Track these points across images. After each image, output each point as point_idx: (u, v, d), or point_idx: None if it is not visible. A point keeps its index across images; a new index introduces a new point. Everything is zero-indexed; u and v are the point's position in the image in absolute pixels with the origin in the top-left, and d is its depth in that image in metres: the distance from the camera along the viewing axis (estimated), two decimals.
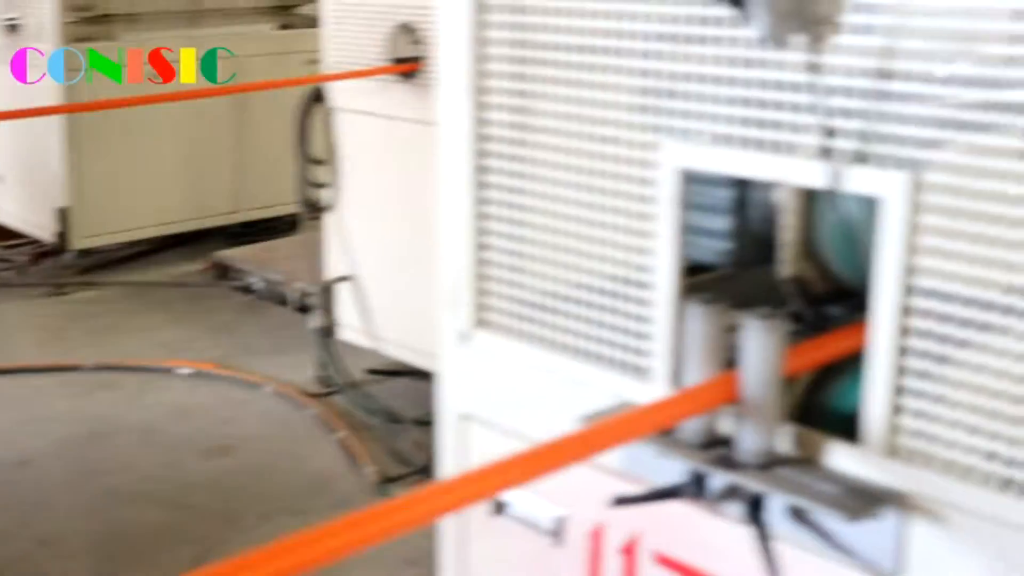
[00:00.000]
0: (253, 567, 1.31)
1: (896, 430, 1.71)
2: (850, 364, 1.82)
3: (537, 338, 2.19)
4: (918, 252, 1.65)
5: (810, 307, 2.01)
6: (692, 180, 1.94)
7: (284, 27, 7.59)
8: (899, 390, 1.70)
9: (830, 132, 1.71)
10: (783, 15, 1.67)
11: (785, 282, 1.99)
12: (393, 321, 4.94)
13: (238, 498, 4.47)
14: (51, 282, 6.94)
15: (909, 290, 1.67)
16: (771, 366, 1.76)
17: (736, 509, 1.83)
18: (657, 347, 1.97)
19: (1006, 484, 1.62)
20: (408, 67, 4.60)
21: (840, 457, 1.78)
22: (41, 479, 4.59)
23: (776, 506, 1.79)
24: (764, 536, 1.79)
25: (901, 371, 1.69)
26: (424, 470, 4.38)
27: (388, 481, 4.46)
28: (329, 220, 5.17)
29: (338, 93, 5.02)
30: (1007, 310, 1.58)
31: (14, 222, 7.27)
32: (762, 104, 1.79)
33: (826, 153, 1.71)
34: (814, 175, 1.73)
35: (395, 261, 4.87)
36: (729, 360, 1.82)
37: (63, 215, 6.80)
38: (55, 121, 6.62)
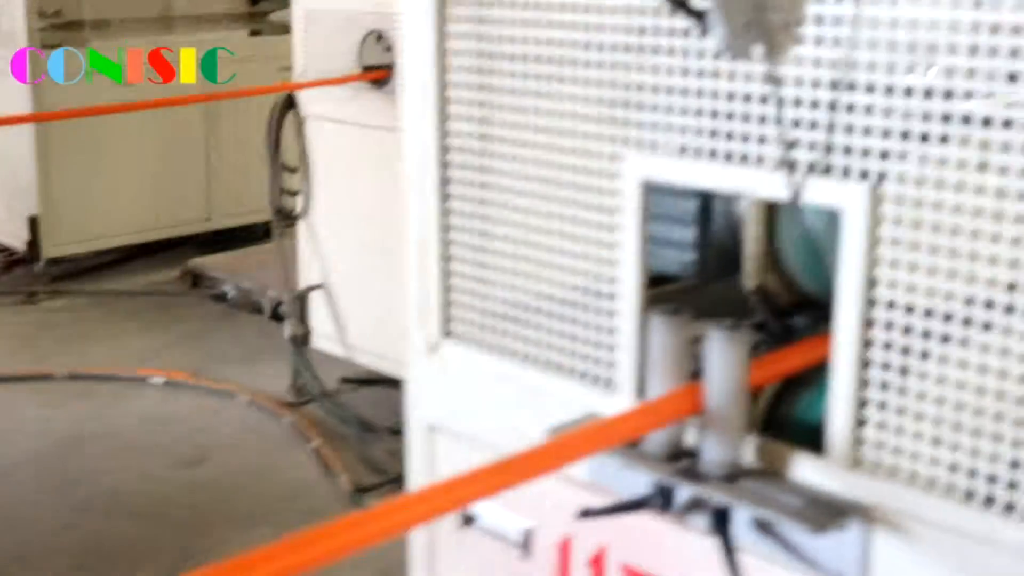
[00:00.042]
0: None
1: (859, 442, 1.71)
2: (816, 375, 1.82)
3: (504, 349, 2.18)
4: (879, 264, 1.65)
5: (775, 318, 2.01)
6: (656, 191, 1.94)
7: (255, 34, 7.57)
8: (862, 402, 1.70)
9: (790, 144, 1.71)
10: (741, 26, 1.67)
11: (750, 293, 1.99)
12: (366, 329, 4.93)
13: (212, 508, 4.45)
14: (22, 291, 6.90)
15: (870, 302, 1.67)
16: (735, 378, 1.75)
17: (702, 521, 1.82)
18: (622, 358, 1.97)
19: (968, 496, 1.62)
20: (379, 74, 4.60)
21: (805, 469, 1.77)
22: (14, 490, 4.56)
23: (742, 518, 1.79)
24: (730, 548, 1.79)
25: (863, 383, 1.69)
26: (398, 479, 4.36)
27: (362, 491, 4.44)
28: (302, 228, 5.16)
29: (310, 100, 5.00)
30: (967, 322, 1.59)
31: None
32: (724, 115, 1.79)
33: (787, 165, 1.71)
34: (776, 187, 1.73)
35: (368, 269, 4.85)
36: (695, 371, 1.81)
37: (34, 223, 6.77)
38: (25, 128, 6.58)
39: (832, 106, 1.67)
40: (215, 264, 6.94)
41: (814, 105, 1.69)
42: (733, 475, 1.77)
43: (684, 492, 1.83)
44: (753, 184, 1.79)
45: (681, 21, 1.79)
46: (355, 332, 4.98)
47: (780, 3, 1.68)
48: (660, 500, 1.86)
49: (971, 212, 1.57)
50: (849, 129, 1.66)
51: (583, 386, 2.04)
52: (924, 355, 1.64)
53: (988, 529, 1.60)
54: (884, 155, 1.64)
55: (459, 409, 2.31)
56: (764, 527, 1.78)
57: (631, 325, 1.94)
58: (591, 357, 2.03)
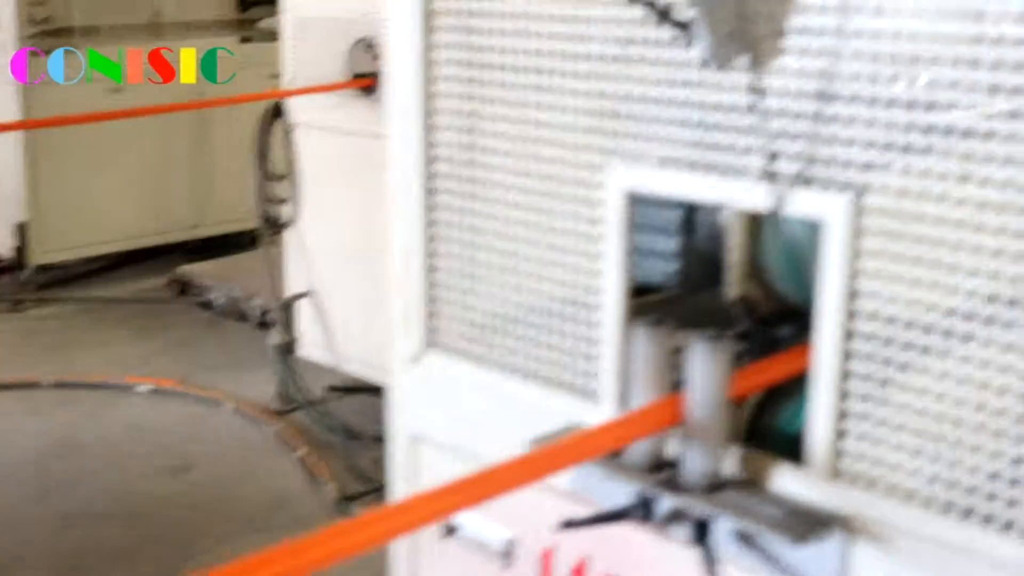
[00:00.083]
0: None
1: (840, 453, 1.71)
2: (799, 385, 1.82)
3: (487, 359, 2.18)
4: (860, 275, 1.66)
5: (758, 328, 2.01)
6: (640, 201, 1.94)
7: (245, 40, 7.56)
8: (842, 413, 1.70)
9: (773, 155, 1.71)
10: (725, 36, 1.67)
11: (732, 303, 1.99)
12: (353, 337, 4.92)
13: (198, 516, 4.43)
14: (9, 298, 6.87)
15: (851, 314, 1.67)
16: (717, 389, 1.75)
17: (683, 532, 1.82)
18: (605, 369, 1.96)
19: (948, 507, 1.62)
20: (367, 82, 4.59)
21: (785, 480, 1.77)
22: None
23: (723, 529, 1.79)
24: (711, 559, 1.79)
25: (844, 394, 1.69)
26: (383, 488, 4.35)
27: (348, 499, 4.43)
28: (289, 236, 5.15)
29: (298, 108, 4.99)
30: (947, 333, 1.59)
31: None
32: (707, 126, 1.80)
33: (769, 176, 1.71)
34: (758, 198, 1.73)
35: (355, 277, 4.84)
36: (677, 382, 1.81)
37: (21, 230, 6.74)
38: (13, 134, 6.56)
39: (815, 117, 1.67)
40: (202, 272, 6.92)
41: (797, 116, 1.69)
42: (714, 486, 1.77)
43: (665, 503, 1.83)
44: (736, 195, 1.79)
45: (666, 32, 1.79)
46: (342, 340, 4.97)
47: (764, 14, 1.69)
48: (642, 511, 1.86)
49: (953, 224, 1.57)
50: (832, 140, 1.67)
51: (566, 396, 2.04)
52: (904, 367, 1.64)
53: (967, 540, 1.60)
54: (866, 166, 1.64)
55: (442, 419, 2.31)
56: (745, 538, 1.78)
57: (614, 336, 1.94)
58: (574, 368, 2.03)
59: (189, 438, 5.08)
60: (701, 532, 1.79)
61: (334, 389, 5.27)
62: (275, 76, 5.35)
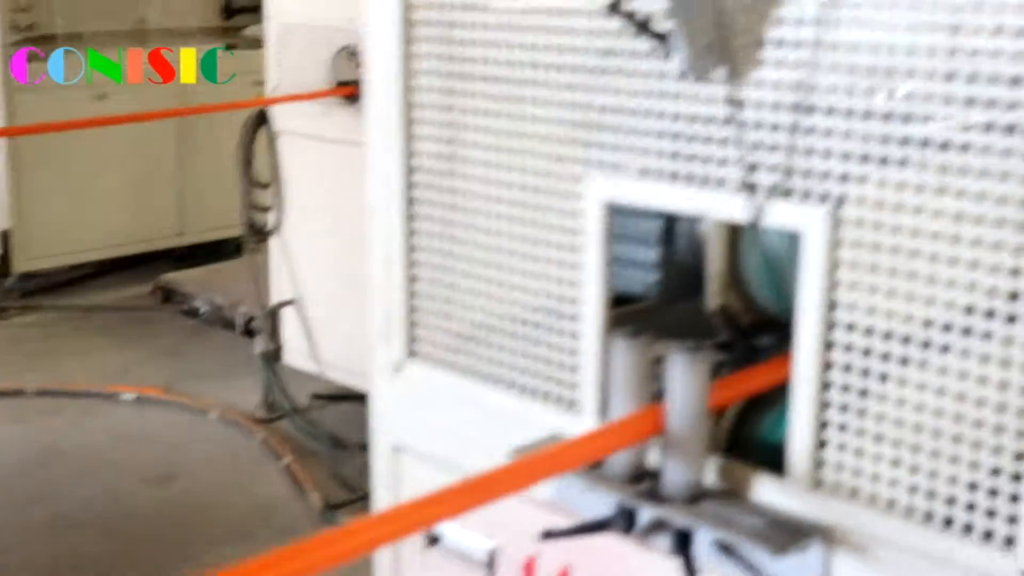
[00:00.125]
0: None
1: (820, 463, 1.72)
2: (779, 395, 1.82)
3: (468, 369, 2.18)
4: (839, 287, 1.66)
5: (738, 338, 2.01)
6: (619, 212, 1.94)
7: (229, 48, 7.54)
8: (822, 423, 1.71)
9: (751, 166, 1.71)
10: (703, 47, 1.68)
11: (712, 313, 1.99)
12: (338, 345, 4.91)
13: (183, 525, 4.42)
14: None
15: (830, 325, 1.67)
16: (697, 399, 1.75)
17: (664, 542, 1.82)
18: (585, 379, 1.97)
19: (927, 517, 1.62)
20: (350, 90, 4.59)
21: (766, 490, 1.78)
22: None
23: (704, 539, 1.79)
24: (692, 569, 1.79)
25: (824, 405, 1.70)
26: (368, 496, 4.34)
27: (333, 508, 4.42)
28: (274, 244, 5.14)
29: (282, 116, 4.99)
30: (925, 344, 1.59)
31: None
32: (686, 138, 1.80)
33: (747, 187, 1.71)
34: (737, 209, 1.74)
35: (339, 285, 4.84)
36: (657, 392, 1.81)
37: (4, 237, 6.72)
38: None
39: (792, 129, 1.68)
40: (187, 279, 6.91)
41: (775, 128, 1.70)
42: (695, 496, 1.77)
43: (647, 513, 1.83)
44: (714, 206, 1.79)
45: (644, 43, 1.79)
46: (326, 348, 4.97)
47: (742, 26, 1.69)
48: (623, 521, 1.86)
49: (929, 235, 1.58)
50: (809, 152, 1.67)
51: (546, 407, 2.04)
52: (883, 377, 1.64)
53: (947, 550, 1.60)
54: (843, 178, 1.64)
55: (424, 429, 2.30)
56: (726, 548, 1.78)
57: (593, 346, 1.94)
58: (554, 378, 2.03)
59: (174, 446, 5.07)
60: (682, 542, 1.79)
61: (319, 397, 5.26)
62: (259, 83, 5.34)
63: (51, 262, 6.99)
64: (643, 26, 1.74)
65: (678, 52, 1.69)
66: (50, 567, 4.12)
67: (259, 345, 5.22)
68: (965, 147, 1.54)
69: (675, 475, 1.78)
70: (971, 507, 1.59)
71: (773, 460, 1.80)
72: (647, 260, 2.04)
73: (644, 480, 1.83)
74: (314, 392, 5.25)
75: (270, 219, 5.12)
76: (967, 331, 1.56)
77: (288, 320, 5.12)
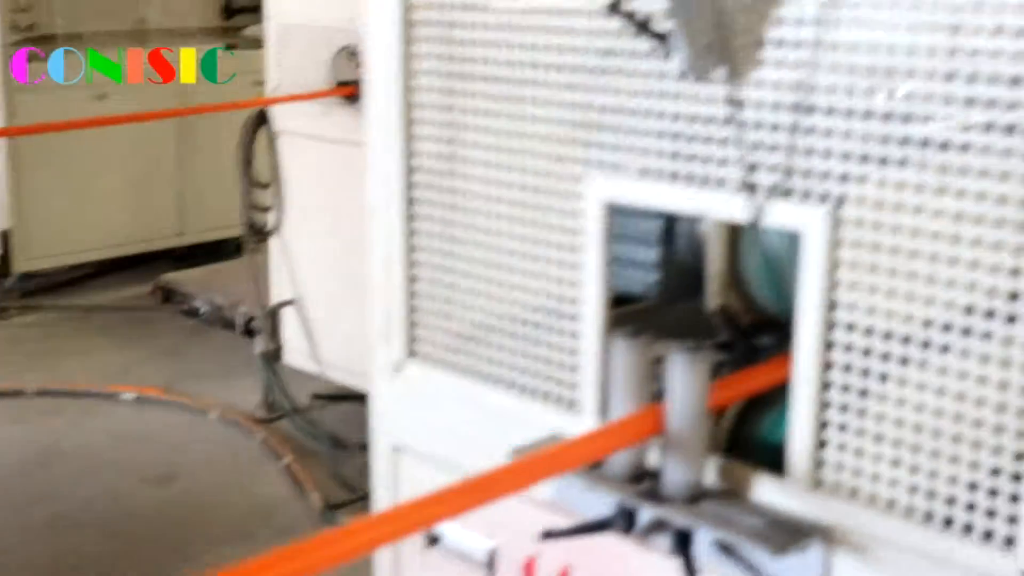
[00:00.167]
0: None
1: (820, 463, 1.72)
2: (779, 395, 1.83)
3: (468, 369, 2.18)
4: (839, 287, 1.66)
5: (738, 338, 2.01)
6: (619, 212, 1.94)
7: (229, 48, 7.54)
8: (822, 424, 1.71)
9: (751, 166, 1.71)
10: (703, 47, 1.68)
11: (712, 313, 1.99)
12: (338, 345, 4.91)
13: (183, 525, 4.42)
14: None
15: (830, 324, 1.67)
16: (697, 399, 1.75)
17: (664, 542, 1.82)
18: (585, 379, 1.97)
19: (927, 517, 1.62)
20: (350, 90, 4.59)
21: (766, 490, 1.78)
22: None
23: (704, 539, 1.79)
24: (692, 569, 1.79)
25: (824, 405, 1.70)
26: (369, 496, 4.34)
27: (333, 508, 4.42)
28: (274, 243, 5.14)
29: (282, 116, 4.99)
30: (925, 344, 1.59)
31: None
32: (686, 138, 1.80)
33: (747, 187, 1.72)
34: (737, 209, 1.74)
35: (340, 285, 4.84)
36: (657, 392, 1.81)
37: (5, 237, 6.72)
38: None
39: (792, 129, 1.68)
40: (187, 279, 6.91)
41: (774, 128, 1.70)
42: (695, 496, 1.77)
43: (647, 513, 1.83)
44: (715, 206, 1.79)
45: (644, 44, 1.79)
46: (327, 348, 4.97)
47: (742, 26, 1.69)
48: (623, 521, 1.86)
49: (929, 235, 1.58)
50: (809, 152, 1.67)
51: (546, 407, 2.04)
52: (883, 377, 1.64)
53: (947, 550, 1.60)
54: (843, 178, 1.64)
55: (423, 429, 2.30)
56: (726, 548, 1.78)
57: (594, 346, 1.94)
58: (554, 378, 2.03)
59: (174, 446, 5.07)
60: (682, 542, 1.79)
61: (319, 397, 5.26)
62: (259, 83, 5.34)
63: (51, 262, 6.99)
64: (643, 26, 1.74)
65: (678, 52, 1.69)
66: (50, 567, 4.12)
67: (259, 345, 5.22)
68: (965, 147, 1.54)
69: (675, 475, 1.78)
70: (971, 507, 1.59)
71: (773, 460, 1.80)
72: (647, 260, 2.04)
73: (644, 480, 1.83)
74: (314, 392, 5.25)
75: (270, 219, 5.12)
76: (967, 331, 1.56)
77: (288, 320, 5.12)
